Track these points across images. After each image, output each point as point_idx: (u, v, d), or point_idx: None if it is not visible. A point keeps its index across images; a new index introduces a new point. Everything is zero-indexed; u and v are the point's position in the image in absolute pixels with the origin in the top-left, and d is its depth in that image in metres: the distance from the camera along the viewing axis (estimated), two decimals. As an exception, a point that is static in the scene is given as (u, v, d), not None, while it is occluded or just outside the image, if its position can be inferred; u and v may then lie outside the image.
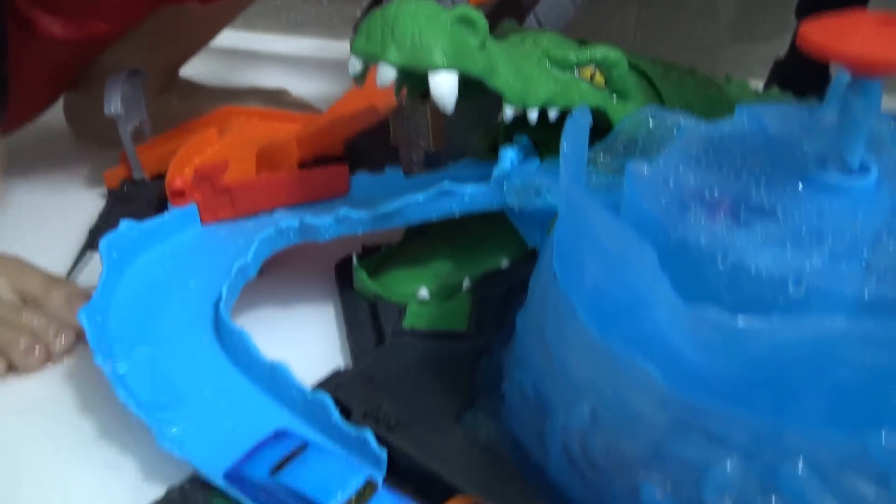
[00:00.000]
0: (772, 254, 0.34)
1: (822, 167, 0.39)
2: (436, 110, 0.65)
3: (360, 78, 0.50)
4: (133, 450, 0.47)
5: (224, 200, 0.57)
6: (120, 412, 0.46)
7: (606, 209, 0.36)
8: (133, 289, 0.53)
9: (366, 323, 0.54)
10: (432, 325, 0.52)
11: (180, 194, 0.56)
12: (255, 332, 0.54)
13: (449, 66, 0.47)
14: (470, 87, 0.51)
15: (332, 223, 0.53)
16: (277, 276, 0.62)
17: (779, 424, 0.32)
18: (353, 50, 0.48)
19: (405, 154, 0.70)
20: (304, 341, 0.56)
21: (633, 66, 0.59)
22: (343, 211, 0.52)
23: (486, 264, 0.57)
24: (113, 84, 0.66)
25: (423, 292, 0.54)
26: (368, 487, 0.41)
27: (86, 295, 0.52)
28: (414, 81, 0.52)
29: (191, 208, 0.57)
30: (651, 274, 0.32)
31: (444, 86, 0.47)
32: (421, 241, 0.61)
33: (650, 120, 0.50)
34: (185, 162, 0.64)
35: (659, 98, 0.59)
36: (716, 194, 0.39)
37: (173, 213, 0.56)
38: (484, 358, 0.49)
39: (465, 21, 0.48)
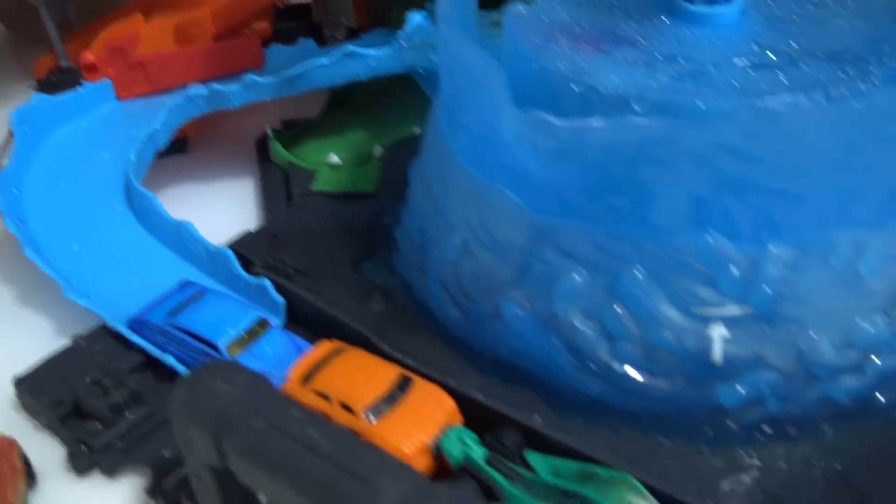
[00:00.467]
0: (620, 75, 0.35)
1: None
2: (355, -14, 0.65)
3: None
4: (43, 306, 0.48)
5: (139, 75, 0.57)
6: (37, 274, 0.47)
7: (470, 40, 0.36)
8: (48, 160, 0.54)
9: (279, 190, 0.56)
10: (341, 188, 0.54)
11: (93, 69, 0.56)
12: (179, 204, 0.56)
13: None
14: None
15: (240, 89, 0.53)
16: (205, 151, 0.63)
17: (618, 234, 0.34)
18: None
19: (328, 32, 0.70)
20: (225, 209, 0.57)
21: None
22: (250, 77, 0.53)
23: (399, 132, 0.57)
24: (30, -32, 0.66)
25: (334, 158, 0.55)
26: (259, 325, 0.43)
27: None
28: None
29: (105, 83, 0.57)
30: (499, 91, 0.33)
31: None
32: (338, 115, 0.61)
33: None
34: (107, 44, 0.64)
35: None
36: (585, 28, 0.40)
37: (87, 87, 0.57)
38: (387, 215, 0.51)
39: None
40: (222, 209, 0.57)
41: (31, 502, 0.38)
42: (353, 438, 0.27)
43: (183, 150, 0.63)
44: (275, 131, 0.59)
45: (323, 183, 0.54)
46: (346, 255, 0.48)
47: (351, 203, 0.53)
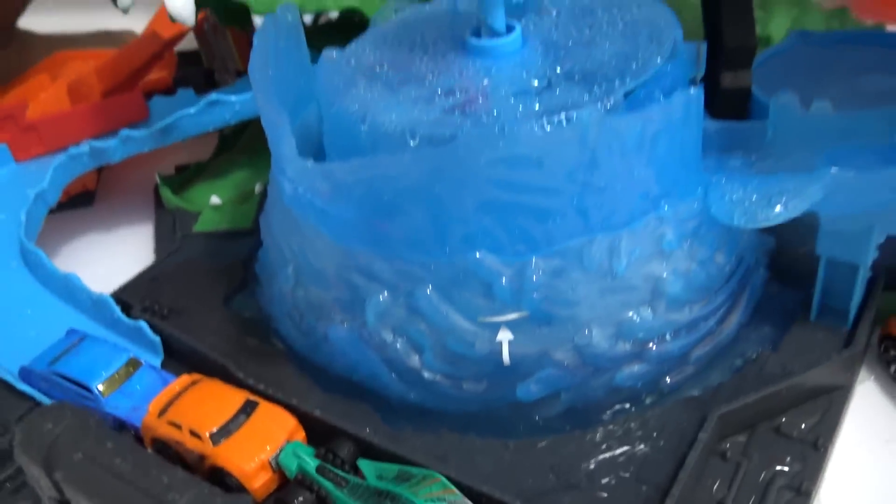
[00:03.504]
0: (400, 112, 0.39)
1: (476, 34, 0.43)
2: (236, 31, 0.69)
3: (115, 4, 0.54)
4: None
5: (32, 137, 0.61)
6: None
7: (268, 90, 0.40)
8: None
9: (168, 234, 0.60)
10: (220, 226, 0.58)
11: (-11, 136, 0.61)
12: (84, 254, 0.61)
13: (179, -16, 0.51)
14: (221, 1, 0.54)
15: (118, 143, 0.57)
16: (110, 202, 0.68)
17: (407, 258, 0.38)
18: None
19: (219, 76, 0.74)
20: (127, 256, 0.61)
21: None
22: (125, 132, 0.57)
23: (278, 168, 0.61)
24: (-66, 43, 0.70)
25: (215, 199, 0.60)
26: (131, 365, 0.47)
27: None
28: (205, 4, 0.56)
29: (1, 148, 0.61)
30: (285, 137, 0.37)
31: (177, 3, 0.51)
32: (226, 156, 0.65)
33: (394, 12, 0.54)
34: (13, 109, 0.68)
35: (422, -9, 0.63)
36: (385, 68, 0.43)
37: (-15, 151, 0.61)
38: (259, 250, 0.55)
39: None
40: (124, 257, 0.61)
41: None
42: (154, 462, 0.32)
43: (89, 203, 0.67)
44: (165, 177, 0.63)
45: (203, 223, 0.58)
46: (218, 291, 0.52)
47: (229, 241, 0.57)
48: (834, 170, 0.37)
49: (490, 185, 0.35)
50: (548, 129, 0.34)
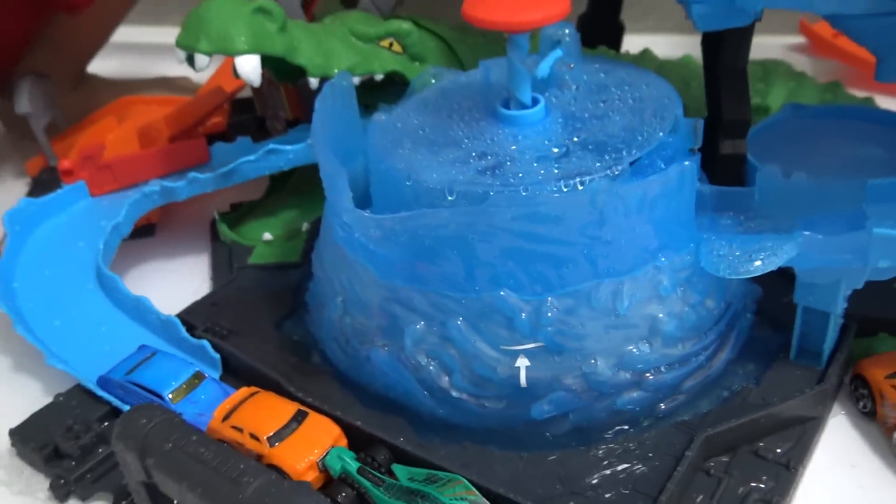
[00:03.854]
0: (439, 172, 0.46)
1: (506, 105, 0.51)
2: (288, 86, 0.77)
3: (192, 64, 0.62)
4: (31, 371, 0.60)
5: (107, 175, 0.69)
6: (26, 346, 0.59)
7: (328, 149, 0.48)
8: (35, 251, 0.66)
9: (224, 264, 0.67)
10: (272, 260, 0.65)
11: (70, 173, 0.69)
12: (147, 279, 0.69)
13: (250, 50, 0.59)
14: (280, 62, 0.62)
15: (186, 185, 0.65)
16: (170, 234, 0.76)
17: (442, 293, 0.45)
18: (176, 43, 0.60)
19: (270, 124, 0.82)
20: (184, 282, 0.69)
21: (433, 33, 0.70)
22: (192, 174, 0.65)
23: (322, 210, 0.69)
24: (19, 88, 0.79)
25: (267, 236, 0.67)
26: (196, 378, 0.54)
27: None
28: (265, 65, 0.64)
29: (80, 184, 0.69)
30: (343, 192, 0.45)
31: (247, 66, 0.59)
32: (276, 197, 0.73)
33: (432, 78, 0.62)
34: (86, 148, 0.77)
35: (456, 58, 0.70)
36: (426, 131, 0.51)
37: (65, 189, 0.69)
38: (305, 282, 0.62)
39: (263, 11, 0.60)
40: (182, 282, 0.69)
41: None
42: (231, 453, 0.38)
43: (151, 234, 0.75)
44: (222, 214, 0.71)
45: (257, 257, 0.65)
46: (271, 316, 0.59)
47: (280, 272, 0.64)
48: (806, 233, 0.44)
49: (514, 236, 0.42)
50: (564, 191, 0.42)
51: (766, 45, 0.93)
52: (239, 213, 0.72)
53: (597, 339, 0.44)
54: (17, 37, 0.81)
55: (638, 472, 0.45)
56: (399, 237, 0.43)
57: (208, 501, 0.36)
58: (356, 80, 0.66)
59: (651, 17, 1.00)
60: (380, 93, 0.67)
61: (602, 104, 0.51)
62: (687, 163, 0.43)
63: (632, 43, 0.87)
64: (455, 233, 0.42)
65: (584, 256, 0.43)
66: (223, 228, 0.69)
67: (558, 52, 0.55)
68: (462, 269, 0.43)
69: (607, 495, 0.43)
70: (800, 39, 0.93)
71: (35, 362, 0.60)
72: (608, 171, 0.44)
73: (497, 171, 0.46)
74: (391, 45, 0.67)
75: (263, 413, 0.49)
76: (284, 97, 0.78)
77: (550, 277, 0.43)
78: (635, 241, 0.43)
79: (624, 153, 0.45)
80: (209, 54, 0.59)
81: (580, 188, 0.42)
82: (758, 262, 0.43)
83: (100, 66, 1.01)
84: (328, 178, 0.47)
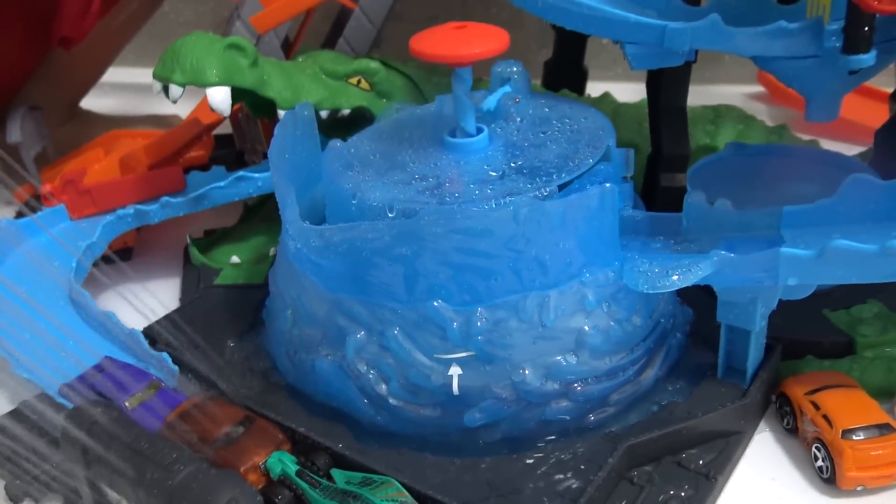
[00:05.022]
0: (383, 191, 0.49)
1: (452, 134, 0.54)
2: (265, 121, 0.81)
3: (167, 94, 0.66)
4: None
5: (86, 200, 0.73)
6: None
7: (282, 170, 0.51)
8: (13, 268, 0.69)
9: (193, 285, 0.70)
10: (238, 281, 0.68)
11: (51, 197, 0.72)
12: (121, 298, 0.71)
13: (221, 82, 0.63)
14: (254, 97, 0.66)
15: (159, 208, 0.69)
16: (146, 257, 0.79)
17: (380, 304, 0.47)
18: (153, 75, 0.64)
19: (248, 157, 0.86)
20: (154, 302, 0.71)
21: (400, 72, 0.74)
22: (165, 198, 0.68)
23: (290, 235, 0.72)
24: (12, 118, 0.83)
25: (235, 259, 0.70)
26: (152, 386, 0.56)
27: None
28: (240, 99, 0.68)
29: (60, 207, 0.73)
30: (291, 205, 0.48)
31: (217, 96, 0.63)
32: (248, 223, 0.76)
33: (396, 112, 0.66)
34: (71, 176, 0.80)
35: (422, 96, 0.74)
36: (377, 156, 0.54)
37: (45, 212, 0.72)
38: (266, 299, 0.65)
39: (236, 47, 0.64)
40: (152, 302, 0.71)
41: None
42: (167, 443, 0.41)
43: (128, 258, 0.78)
44: (194, 239, 0.74)
45: (223, 278, 0.68)
46: (230, 332, 0.62)
47: (243, 293, 0.67)
48: (721, 252, 0.47)
49: (443, 248, 0.45)
50: (490, 207, 0.45)
51: (725, 94, 0.99)
52: (211, 239, 0.75)
53: (525, 349, 0.46)
54: (15, 71, 0.86)
55: (565, 479, 0.46)
56: (338, 247, 0.46)
57: (138, 486, 0.38)
58: (324, 113, 0.70)
59: (620, 66, 1.05)
60: (350, 128, 0.71)
61: (542, 134, 0.54)
62: (608, 185, 0.46)
63: (597, 89, 0.92)
64: (389, 244, 0.45)
65: (511, 269, 0.45)
66: (194, 252, 0.72)
67: (506, 88, 0.59)
68: (398, 280, 0.46)
69: (535, 499, 0.45)
70: (758, 88, 0.98)
71: (3, 372, 0.62)
72: (538, 192, 0.47)
73: (436, 191, 0.49)
74: (359, 82, 0.71)
75: (212, 419, 0.52)
76: (262, 131, 0.83)
77: (480, 289, 0.46)
78: (560, 256, 0.46)
79: (554, 177, 0.48)
80: (183, 85, 0.63)
81: (504, 205, 0.45)
82: (675, 277, 0.46)
83: (93, 102, 1.05)
84: (280, 194, 0.50)
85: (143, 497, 0.39)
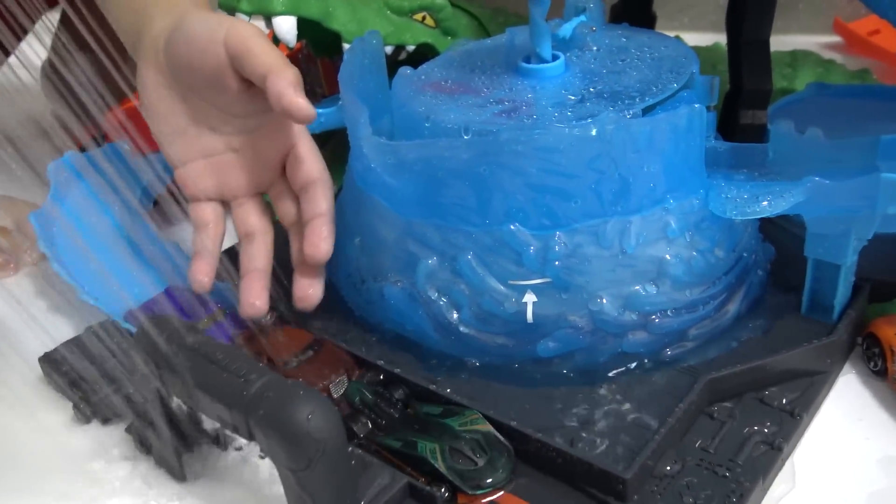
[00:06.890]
0: (458, 113, 0.48)
1: (527, 60, 0.52)
2: (325, 62, 0.80)
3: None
4: (62, 305, 0.64)
5: (149, 136, 0.73)
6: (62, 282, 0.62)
7: (353, 90, 0.50)
8: (75, 201, 0.70)
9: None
10: (299, 218, 0.67)
11: (114, 132, 0.72)
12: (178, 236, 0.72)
13: (287, 12, 0.62)
14: (320, 30, 0.65)
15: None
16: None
17: (453, 227, 0.46)
18: (219, 5, 0.63)
19: (309, 97, 0.85)
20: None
21: (465, 10, 0.72)
22: (228, 133, 0.68)
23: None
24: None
25: (296, 195, 0.69)
26: (218, 313, 0.56)
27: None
28: (304, 35, 0.67)
29: (122, 143, 0.73)
30: (363, 126, 0.47)
31: (285, 26, 0.62)
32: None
33: (461, 47, 0.64)
34: None
35: (487, 35, 0.72)
36: (448, 82, 0.53)
37: (107, 147, 0.72)
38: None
39: (303, -23, 0.63)
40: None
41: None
42: (240, 355, 0.40)
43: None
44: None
45: (285, 214, 0.68)
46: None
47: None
48: (815, 178, 0.44)
49: (525, 169, 0.43)
50: (573, 126, 0.43)
51: (801, 43, 0.94)
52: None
53: (603, 277, 0.45)
54: None
55: (642, 412, 0.45)
56: (413, 166, 0.45)
57: (216, 396, 0.38)
58: (388, 49, 0.68)
59: (686, 15, 1.02)
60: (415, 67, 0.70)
61: (621, 62, 0.52)
62: (696, 105, 0.44)
63: (664, 36, 0.89)
64: (466, 163, 0.44)
65: (592, 192, 0.44)
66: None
67: (582, 17, 0.57)
68: (473, 201, 0.44)
69: (611, 429, 0.44)
70: (835, 38, 0.93)
71: (68, 297, 0.63)
72: (621, 115, 0.45)
73: (513, 114, 0.47)
74: (424, 18, 0.70)
75: (281, 342, 0.51)
76: (322, 72, 0.81)
77: (559, 212, 0.44)
78: (644, 180, 0.44)
79: (637, 100, 0.46)
80: (249, 14, 0.62)
81: (589, 122, 0.43)
82: (764, 203, 0.43)
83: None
84: (350, 116, 0.49)
85: (219, 407, 0.39)
